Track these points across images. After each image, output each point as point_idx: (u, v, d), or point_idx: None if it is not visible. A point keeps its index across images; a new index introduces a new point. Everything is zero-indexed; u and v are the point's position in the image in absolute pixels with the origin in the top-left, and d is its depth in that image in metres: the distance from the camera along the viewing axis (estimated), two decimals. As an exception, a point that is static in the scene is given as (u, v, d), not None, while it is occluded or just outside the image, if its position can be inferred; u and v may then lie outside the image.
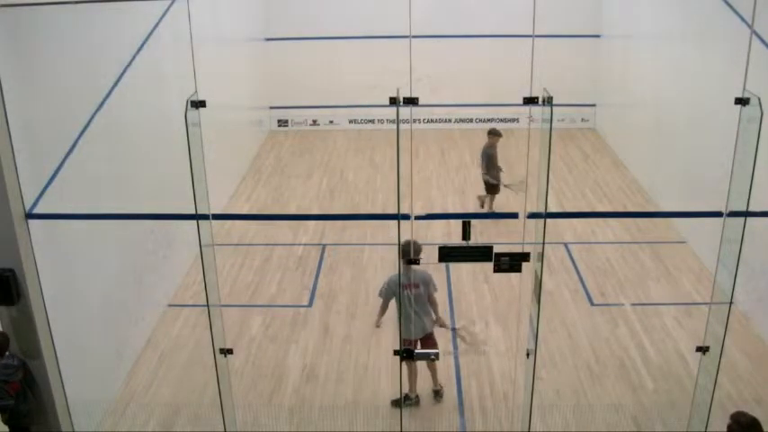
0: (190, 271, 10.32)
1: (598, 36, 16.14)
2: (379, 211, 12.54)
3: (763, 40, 7.74)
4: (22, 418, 6.36)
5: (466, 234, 5.99)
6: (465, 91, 16.44)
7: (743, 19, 8.68)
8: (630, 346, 8.60)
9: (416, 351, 6.91)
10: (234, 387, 7.05)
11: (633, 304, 9.50)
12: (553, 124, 5.69)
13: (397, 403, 7.53)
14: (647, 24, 13.47)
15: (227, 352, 6.56)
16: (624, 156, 14.78)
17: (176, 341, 8.96)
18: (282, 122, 17.29)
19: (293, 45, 16.31)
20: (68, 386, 6.77)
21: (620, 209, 12.41)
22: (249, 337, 9.01)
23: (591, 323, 9.12)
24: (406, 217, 6.04)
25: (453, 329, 8.38)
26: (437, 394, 7.77)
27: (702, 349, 6.39)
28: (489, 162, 11.88)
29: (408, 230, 5.96)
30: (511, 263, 5.97)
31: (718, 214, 6.04)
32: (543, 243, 6.02)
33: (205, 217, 6.06)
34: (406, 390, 7.55)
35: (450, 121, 17.07)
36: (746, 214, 5.81)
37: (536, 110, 6.07)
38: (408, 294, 7.21)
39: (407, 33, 6.86)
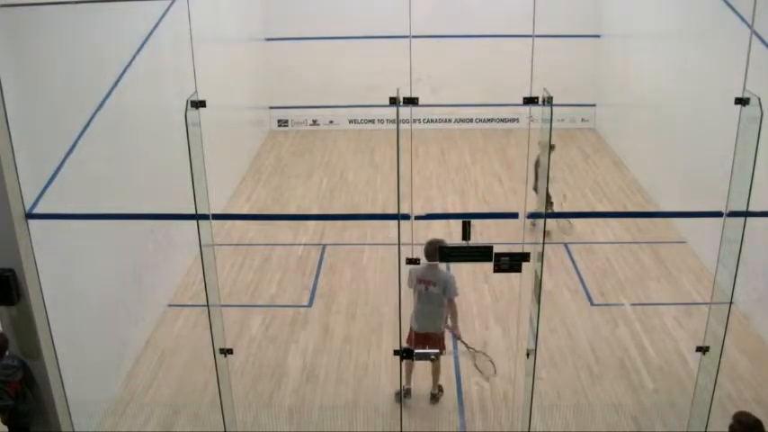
0: (190, 271, 10.32)
1: (598, 36, 16.13)
2: (379, 211, 12.54)
3: (763, 40, 7.74)
4: (21, 418, 6.36)
5: (466, 234, 6.00)
6: (465, 91, 16.42)
7: (743, 19, 8.68)
8: (630, 346, 8.61)
9: (416, 351, 6.93)
10: (234, 387, 7.04)
11: (633, 304, 9.50)
12: (553, 124, 5.69)
13: (397, 396, 7.61)
14: (647, 24, 13.45)
15: (227, 352, 6.56)
16: (624, 156, 14.77)
17: (176, 341, 8.96)
18: (282, 122, 17.28)
19: (293, 45, 16.31)
20: (68, 386, 6.76)
21: (621, 209, 12.40)
22: (249, 337, 9.01)
23: (591, 323, 9.12)
24: (406, 217, 6.04)
25: (469, 347, 7.62)
26: (433, 398, 7.77)
27: (702, 349, 6.39)
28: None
29: (408, 230, 5.96)
30: (511, 263, 5.97)
31: (718, 214, 6.04)
32: (543, 243, 6.03)
33: (205, 217, 6.06)
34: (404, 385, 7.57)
35: (450, 121, 17.06)
36: (746, 214, 5.81)
37: (536, 110, 6.06)
38: (421, 289, 7.36)
39: (407, 33, 6.87)
